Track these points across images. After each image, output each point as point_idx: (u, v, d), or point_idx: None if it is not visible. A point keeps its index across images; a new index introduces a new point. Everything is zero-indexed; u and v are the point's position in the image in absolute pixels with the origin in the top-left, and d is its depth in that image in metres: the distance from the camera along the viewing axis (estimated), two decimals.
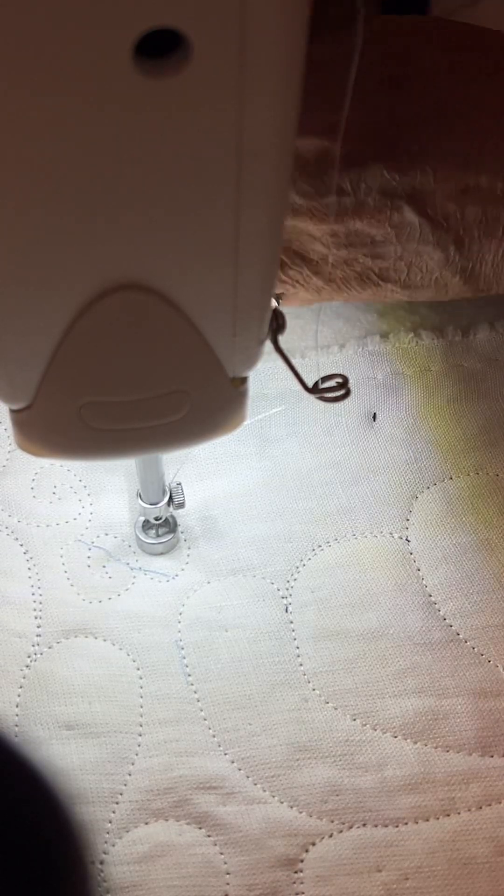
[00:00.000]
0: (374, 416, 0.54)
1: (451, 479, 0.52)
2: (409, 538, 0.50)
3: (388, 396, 0.55)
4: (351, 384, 0.38)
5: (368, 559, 0.49)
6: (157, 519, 0.49)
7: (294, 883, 0.40)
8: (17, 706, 0.44)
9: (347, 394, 0.37)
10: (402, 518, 0.51)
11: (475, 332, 0.57)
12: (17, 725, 0.43)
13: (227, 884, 0.40)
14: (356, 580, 0.48)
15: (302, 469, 0.52)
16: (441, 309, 0.58)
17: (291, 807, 0.42)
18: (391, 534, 0.50)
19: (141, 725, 0.44)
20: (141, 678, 0.45)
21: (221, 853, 0.40)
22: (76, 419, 0.33)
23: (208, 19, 0.21)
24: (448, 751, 0.43)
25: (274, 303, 0.33)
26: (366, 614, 0.47)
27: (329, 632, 0.47)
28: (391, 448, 0.53)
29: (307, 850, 0.40)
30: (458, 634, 0.47)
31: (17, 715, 0.44)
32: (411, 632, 0.47)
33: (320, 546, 0.50)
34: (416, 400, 0.55)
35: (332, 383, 0.38)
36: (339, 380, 0.38)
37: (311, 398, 0.38)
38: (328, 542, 0.50)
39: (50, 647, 0.46)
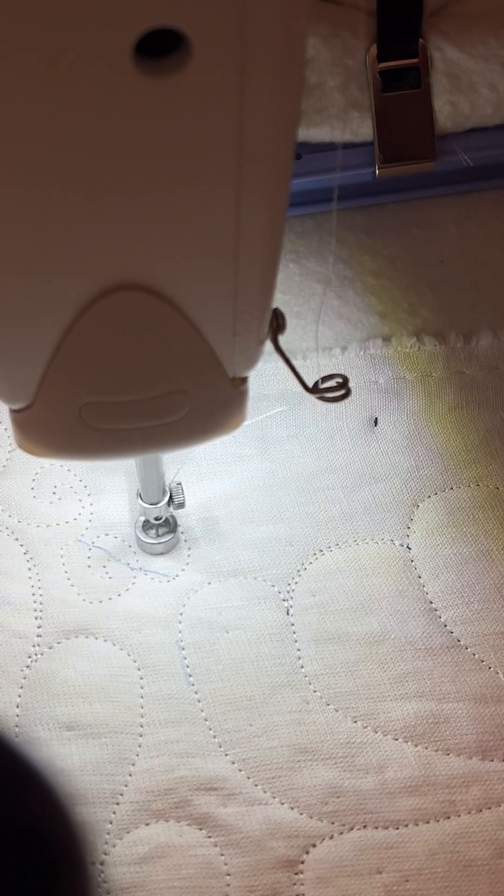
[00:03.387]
0: (376, 421, 0.54)
1: (451, 489, 0.52)
2: (410, 546, 0.50)
3: (390, 401, 0.55)
4: (352, 388, 0.38)
5: (370, 565, 0.49)
6: (157, 519, 0.49)
7: (294, 884, 0.40)
8: (17, 707, 0.44)
9: (347, 394, 0.37)
10: (404, 526, 0.51)
11: (477, 339, 0.57)
12: (17, 726, 0.43)
13: (228, 885, 0.39)
14: (357, 585, 0.48)
15: (303, 472, 0.52)
16: (443, 312, 0.58)
17: (292, 808, 0.41)
18: (392, 541, 0.50)
19: (142, 726, 0.44)
20: (142, 679, 0.45)
21: (222, 854, 0.40)
22: (76, 419, 0.33)
23: (208, 19, 0.21)
24: (448, 754, 0.43)
25: (274, 303, 0.33)
26: (367, 619, 0.47)
27: (330, 635, 0.47)
28: (393, 455, 0.53)
29: (307, 852, 0.40)
30: (459, 641, 0.47)
31: (17, 716, 0.44)
32: (412, 637, 0.47)
33: (321, 550, 0.50)
34: (418, 406, 0.55)
35: (332, 383, 0.38)
36: (339, 380, 0.38)
37: (312, 400, 0.38)
38: (329, 547, 0.50)
39: (50, 648, 0.46)
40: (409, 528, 0.51)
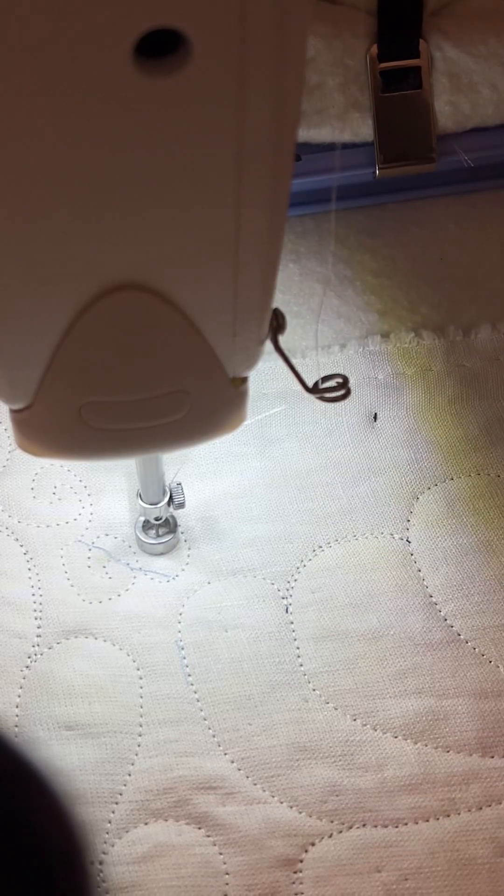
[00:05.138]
0: (375, 417, 0.54)
1: (451, 479, 0.52)
2: (409, 539, 0.50)
3: (389, 396, 0.55)
4: (352, 384, 0.38)
5: (369, 560, 0.49)
6: (157, 519, 0.49)
7: (293, 883, 0.40)
8: (17, 707, 0.44)
9: (348, 394, 0.37)
10: (403, 519, 0.51)
11: (477, 332, 0.57)
12: (17, 726, 0.43)
13: (227, 884, 0.40)
14: (357, 581, 0.48)
15: (302, 469, 0.52)
16: (442, 308, 0.58)
17: (291, 807, 0.42)
18: (392, 534, 0.50)
19: (141, 726, 0.44)
20: (141, 678, 0.45)
21: (221, 853, 0.40)
22: (76, 419, 0.33)
23: (208, 19, 0.21)
24: (448, 751, 0.43)
25: (274, 303, 0.33)
26: (366, 615, 0.47)
27: (329, 632, 0.47)
28: (392, 448, 0.53)
29: (307, 851, 0.40)
30: (459, 635, 0.47)
31: (17, 715, 0.44)
32: (412, 632, 0.47)
33: (321, 547, 0.50)
34: (418, 400, 0.55)
35: (332, 383, 0.38)
36: (340, 380, 0.37)
37: (312, 398, 0.38)
38: (329, 543, 0.50)
39: (50, 648, 0.46)
40: (408, 521, 0.51)
